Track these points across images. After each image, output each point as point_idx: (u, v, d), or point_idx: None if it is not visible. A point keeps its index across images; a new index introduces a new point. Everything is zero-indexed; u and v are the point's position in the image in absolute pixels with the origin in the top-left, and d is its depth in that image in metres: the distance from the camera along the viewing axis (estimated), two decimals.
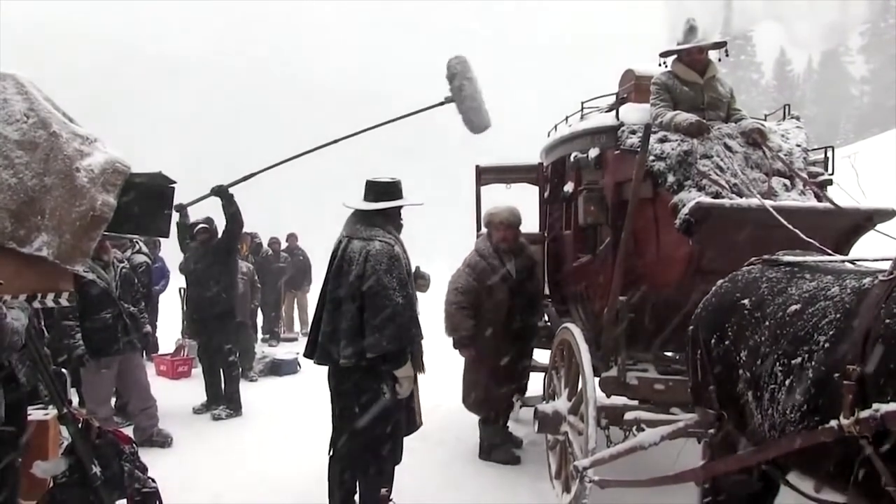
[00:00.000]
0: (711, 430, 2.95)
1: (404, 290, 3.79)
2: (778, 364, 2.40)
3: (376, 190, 3.95)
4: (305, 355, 4.09)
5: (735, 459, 2.70)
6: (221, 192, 6.49)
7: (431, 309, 5.08)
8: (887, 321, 2.04)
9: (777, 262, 2.87)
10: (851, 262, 2.87)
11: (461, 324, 5.38)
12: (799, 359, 2.31)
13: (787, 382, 2.35)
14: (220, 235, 7.14)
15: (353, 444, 3.86)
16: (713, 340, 2.84)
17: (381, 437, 3.85)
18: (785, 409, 2.35)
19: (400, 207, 4.03)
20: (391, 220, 3.98)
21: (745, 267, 3.00)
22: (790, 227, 3.44)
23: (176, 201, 4.20)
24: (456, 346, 5.51)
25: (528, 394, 5.93)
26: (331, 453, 4.02)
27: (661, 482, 3.28)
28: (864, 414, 2.00)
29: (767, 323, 2.55)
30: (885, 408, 1.95)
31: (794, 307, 2.45)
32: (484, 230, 5.76)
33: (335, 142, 6.49)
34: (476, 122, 6.11)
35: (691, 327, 3.03)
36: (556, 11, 50.84)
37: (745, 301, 2.74)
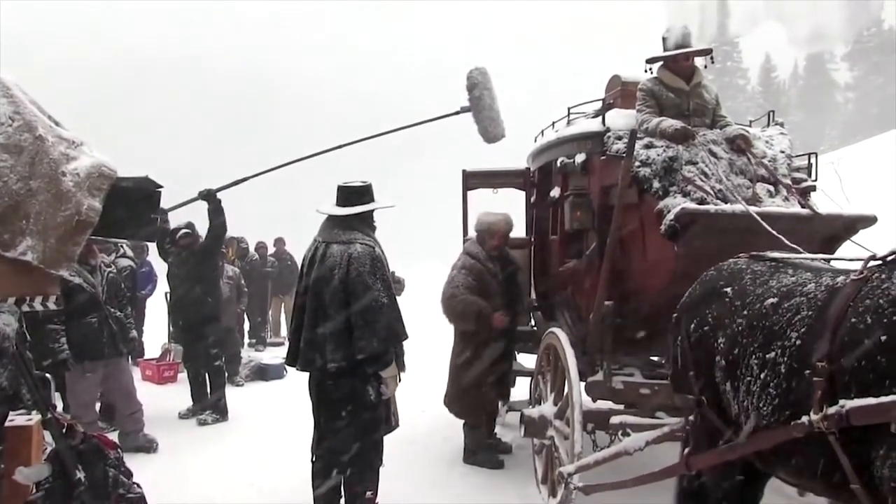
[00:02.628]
0: (691, 417, 2.99)
1: (388, 290, 3.83)
2: (754, 357, 2.46)
3: (350, 194, 3.96)
4: (287, 363, 4.09)
5: (715, 454, 2.74)
6: (210, 195, 6.46)
7: (413, 312, 5.06)
8: (853, 320, 2.09)
9: (763, 258, 2.93)
10: (829, 260, 2.94)
11: (470, 305, 5.29)
12: (773, 353, 2.37)
13: (761, 376, 2.40)
14: (202, 240, 7.11)
15: (340, 447, 3.85)
16: (693, 325, 2.90)
17: (367, 439, 3.85)
18: (759, 404, 2.40)
19: (373, 210, 4.06)
20: (367, 222, 4.01)
21: (731, 260, 3.05)
22: (774, 233, 3.49)
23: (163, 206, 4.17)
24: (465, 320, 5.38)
25: (514, 398, 5.94)
26: (313, 458, 4.00)
27: (645, 480, 3.32)
28: (832, 410, 2.04)
29: (746, 312, 2.61)
30: (849, 404, 2.00)
31: (771, 300, 2.51)
32: (472, 234, 5.77)
33: (339, 147, 6.46)
34: (492, 132, 6.17)
35: (675, 315, 3.09)
36: (554, 10, 50.96)
37: (728, 289, 2.80)
